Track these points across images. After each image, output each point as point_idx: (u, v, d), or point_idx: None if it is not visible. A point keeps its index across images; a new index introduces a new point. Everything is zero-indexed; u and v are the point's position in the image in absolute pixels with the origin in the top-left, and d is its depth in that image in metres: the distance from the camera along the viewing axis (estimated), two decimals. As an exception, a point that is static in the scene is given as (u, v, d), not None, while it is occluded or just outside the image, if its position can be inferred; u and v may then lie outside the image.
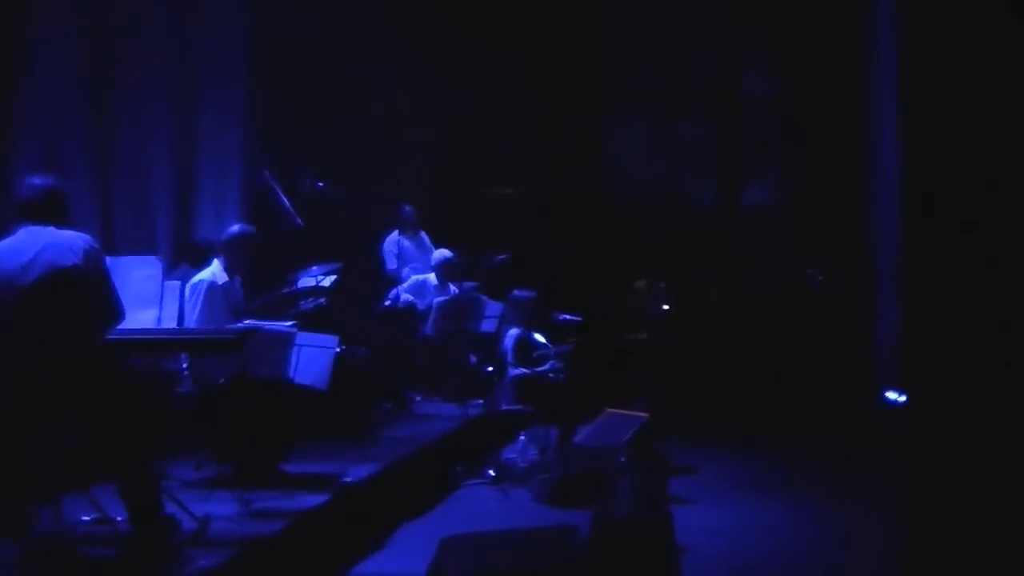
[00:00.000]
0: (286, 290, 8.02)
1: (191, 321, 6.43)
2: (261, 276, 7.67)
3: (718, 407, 9.43)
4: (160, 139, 8.25)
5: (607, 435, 7.58)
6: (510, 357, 8.79)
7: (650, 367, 9.73)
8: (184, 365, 6.35)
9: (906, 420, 5.32)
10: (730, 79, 12.24)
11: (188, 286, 6.52)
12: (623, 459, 6.55)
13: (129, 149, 7.90)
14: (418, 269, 9.99)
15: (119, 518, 4.97)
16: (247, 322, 6.50)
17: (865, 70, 10.04)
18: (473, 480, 7.70)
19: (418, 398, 9.16)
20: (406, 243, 9.99)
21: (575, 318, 9.83)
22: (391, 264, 9.93)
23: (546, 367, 8.84)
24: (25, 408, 4.67)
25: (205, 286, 6.56)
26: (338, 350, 6.68)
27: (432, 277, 9.81)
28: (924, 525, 4.63)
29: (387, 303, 9.53)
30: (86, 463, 5.04)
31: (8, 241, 4.79)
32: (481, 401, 8.95)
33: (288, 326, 6.57)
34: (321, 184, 9.66)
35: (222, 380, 6.20)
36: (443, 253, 9.83)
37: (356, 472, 6.54)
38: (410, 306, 9.47)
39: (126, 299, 4.96)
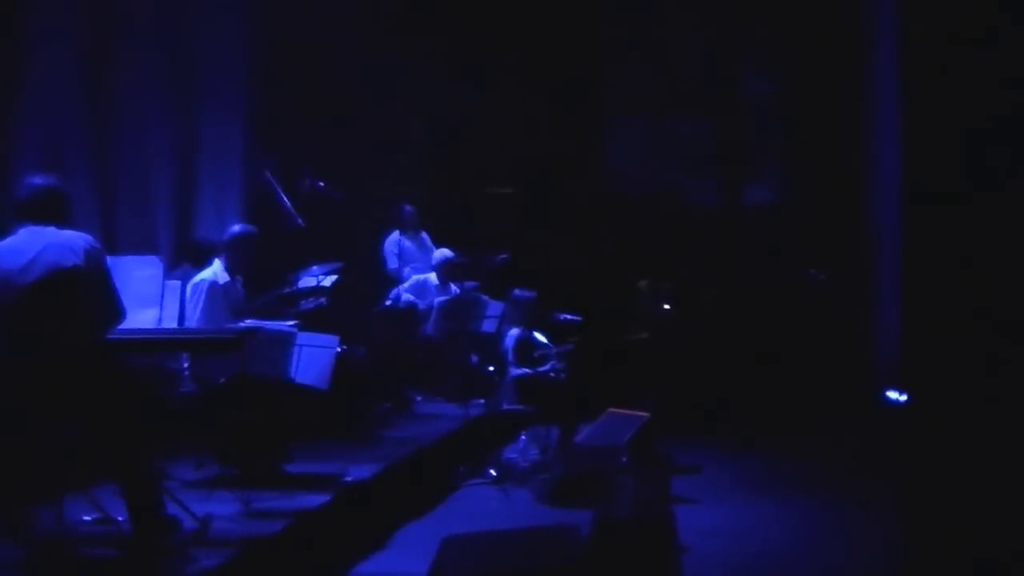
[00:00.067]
0: (287, 290, 8.01)
1: (192, 321, 6.43)
2: (262, 276, 7.66)
3: (719, 407, 9.44)
4: (160, 139, 8.23)
5: (608, 435, 7.58)
6: (511, 357, 8.77)
7: (651, 367, 9.73)
8: (185, 365, 6.35)
9: (907, 420, 5.32)
10: (729, 79, 12.25)
11: (189, 286, 6.52)
12: (624, 459, 6.55)
13: (129, 149, 7.88)
14: (419, 269, 9.99)
15: (120, 518, 4.96)
16: (248, 322, 6.51)
17: (865, 70, 10.04)
18: (474, 480, 7.71)
19: (419, 398, 9.17)
20: (407, 243, 9.98)
21: (575, 318, 9.83)
22: (392, 264, 9.92)
23: (547, 367, 8.83)
24: (26, 408, 4.66)
25: (206, 286, 6.56)
26: (339, 350, 6.68)
27: (433, 277, 9.81)
28: (924, 525, 4.63)
29: (388, 303, 9.52)
30: (86, 463, 5.04)
31: (9, 241, 4.78)
32: (482, 401, 8.95)
33: (289, 326, 6.57)
34: (321, 184, 9.65)
35: (223, 380, 6.19)
36: (444, 253, 9.83)
37: (357, 472, 6.54)
38: (411, 306, 9.47)
39: (127, 299, 4.96)
